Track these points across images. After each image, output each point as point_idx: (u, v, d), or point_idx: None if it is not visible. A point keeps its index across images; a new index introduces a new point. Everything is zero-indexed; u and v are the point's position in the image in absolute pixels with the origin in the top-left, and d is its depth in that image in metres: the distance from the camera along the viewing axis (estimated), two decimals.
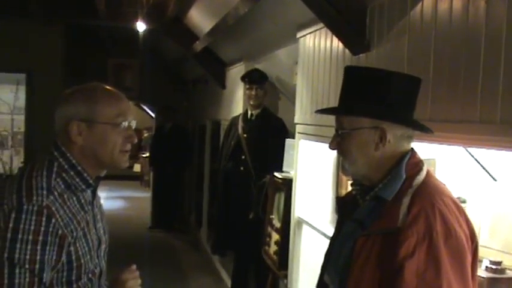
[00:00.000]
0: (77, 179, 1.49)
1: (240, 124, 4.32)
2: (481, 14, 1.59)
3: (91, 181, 1.52)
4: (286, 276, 3.24)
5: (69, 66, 6.37)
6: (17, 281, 1.35)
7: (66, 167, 1.48)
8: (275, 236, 3.38)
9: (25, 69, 5.86)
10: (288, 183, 3.28)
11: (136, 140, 1.58)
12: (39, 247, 1.37)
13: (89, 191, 1.55)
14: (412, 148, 1.41)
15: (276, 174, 3.51)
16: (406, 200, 1.30)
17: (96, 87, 1.58)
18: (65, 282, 1.46)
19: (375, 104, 1.36)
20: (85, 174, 1.50)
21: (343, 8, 2.28)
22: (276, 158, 3.70)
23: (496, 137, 1.53)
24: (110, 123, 1.50)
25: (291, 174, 3.33)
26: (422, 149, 1.45)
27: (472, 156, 1.91)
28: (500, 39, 1.51)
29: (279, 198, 3.44)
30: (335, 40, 2.61)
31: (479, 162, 1.91)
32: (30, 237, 1.36)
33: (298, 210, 3.15)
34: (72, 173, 1.48)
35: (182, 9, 4.78)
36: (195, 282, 5.51)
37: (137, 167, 13.04)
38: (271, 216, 3.50)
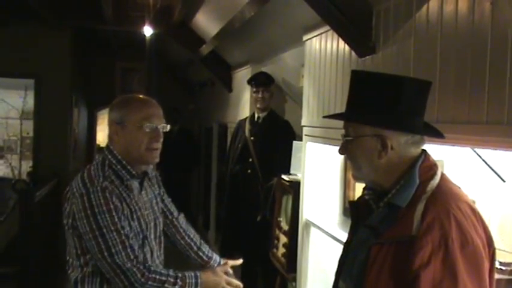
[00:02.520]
0: (123, 171, 1.88)
1: (247, 127, 4.33)
2: (487, 15, 1.59)
3: (134, 172, 1.89)
4: (294, 279, 3.24)
5: (76, 70, 6.41)
6: (110, 243, 1.76)
7: (114, 161, 1.88)
8: (283, 239, 3.39)
9: (33, 74, 5.91)
10: (295, 186, 3.28)
11: (160, 139, 1.90)
12: (114, 213, 1.78)
13: (136, 182, 1.92)
14: (424, 150, 1.39)
15: (283, 176, 3.52)
16: (420, 207, 1.27)
17: (131, 97, 1.97)
18: None
19: (378, 111, 1.34)
20: (128, 167, 1.88)
21: (349, 11, 2.28)
22: (283, 161, 3.70)
23: (503, 138, 1.52)
24: (136, 125, 1.86)
25: (298, 176, 3.33)
26: (430, 150, 1.44)
27: (480, 157, 1.90)
28: (506, 40, 1.51)
29: (287, 201, 3.44)
30: (341, 42, 2.62)
31: (487, 163, 1.90)
32: (104, 208, 1.77)
33: (306, 213, 3.16)
34: (119, 166, 1.88)
35: (188, 13, 4.80)
36: None
37: None
38: (279, 219, 3.50)
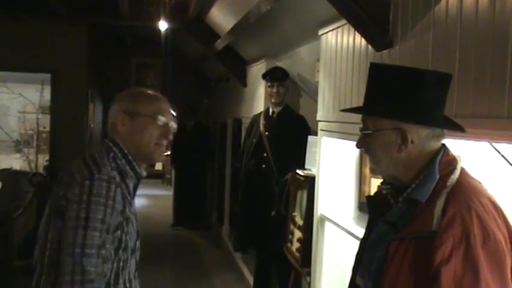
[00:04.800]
0: (128, 167, 1.72)
1: (262, 122, 4.33)
2: (509, 7, 1.56)
3: (138, 170, 1.74)
4: (309, 274, 3.24)
5: (92, 65, 6.47)
6: (88, 241, 1.55)
7: (119, 155, 1.71)
8: (298, 234, 3.38)
9: (50, 69, 5.97)
10: (310, 181, 3.27)
11: (171, 137, 1.78)
12: (108, 210, 1.59)
13: (131, 185, 1.74)
14: (444, 145, 1.38)
15: (298, 171, 3.51)
16: (440, 202, 1.26)
17: (144, 89, 1.85)
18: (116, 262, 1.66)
19: (398, 104, 1.33)
20: (134, 163, 1.73)
21: (366, 4, 2.26)
22: (297, 156, 3.69)
23: None
24: (150, 116, 1.73)
25: (313, 171, 3.32)
26: (447, 145, 1.43)
27: (499, 152, 1.88)
28: None
29: (301, 196, 3.44)
30: (357, 37, 2.60)
31: (505, 158, 1.88)
32: (103, 200, 1.58)
33: (321, 208, 3.15)
34: (123, 161, 1.71)
35: (203, 8, 4.81)
36: (217, 279, 5.54)
37: (159, 165, 13.17)
38: (293, 214, 3.50)
